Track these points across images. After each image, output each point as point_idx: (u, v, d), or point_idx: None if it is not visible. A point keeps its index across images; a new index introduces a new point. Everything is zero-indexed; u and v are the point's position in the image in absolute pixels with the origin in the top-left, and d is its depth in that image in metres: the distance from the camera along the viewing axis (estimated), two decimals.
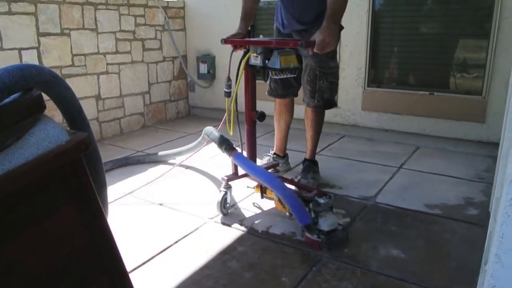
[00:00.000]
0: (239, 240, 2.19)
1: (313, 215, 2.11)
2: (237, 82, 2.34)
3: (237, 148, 2.51)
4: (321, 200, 2.13)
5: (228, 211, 2.47)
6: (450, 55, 3.64)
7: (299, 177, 2.85)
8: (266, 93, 3.02)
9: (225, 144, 2.46)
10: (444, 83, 3.70)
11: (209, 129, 2.68)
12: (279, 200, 2.29)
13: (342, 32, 2.75)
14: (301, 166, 2.98)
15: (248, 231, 2.29)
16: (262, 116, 2.47)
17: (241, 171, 2.53)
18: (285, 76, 2.39)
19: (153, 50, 4.53)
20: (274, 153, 3.14)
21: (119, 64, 4.17)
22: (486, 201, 2.56)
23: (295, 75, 2.47)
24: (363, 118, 3.99)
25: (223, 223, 2.37)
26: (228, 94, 2.49)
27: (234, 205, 2.58)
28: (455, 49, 3.62)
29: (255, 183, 2.58)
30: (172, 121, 4.87)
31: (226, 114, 2.54)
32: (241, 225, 2.35)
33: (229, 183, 2.48)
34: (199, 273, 1.91)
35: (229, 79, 2.46)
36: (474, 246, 2.05)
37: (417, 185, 2.87)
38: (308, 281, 1.84)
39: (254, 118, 2.50)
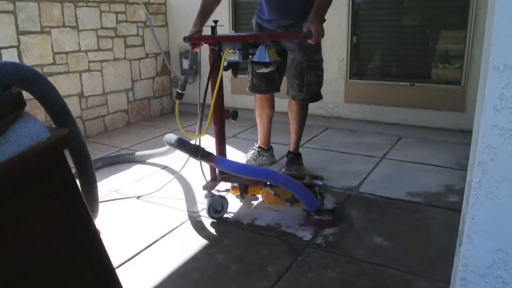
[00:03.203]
0: (225, 233, 2.22)
1: (319, 198, 2.24)
2: (217, 80, 2.23)
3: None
4: (320, 182, 2.30)
5: (220, 215, 2.37)
6: (430, 46, 3.70)
7: (283, 169, 2.88)
8: (247, 89, 3.01)
9: (200, 151, 2.23)
10: (424, 74, 3.75)
11: (171, 136, 2.39)
12: (275, 193, 2.29)
13: (323, 25, 2.78)
14: (285, 159, 3.01)
15: (233, 224, 2.31)
16: (235, 114, 2.36)
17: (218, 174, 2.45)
18: (269, 70, 2.34)
19: (135, 47, 4.52)
20: (259, 147, 3.17)
21: (101, 61, 4.14)
22: None
23: (274, 69, 2.43)
24: (345, 110, 4.04)
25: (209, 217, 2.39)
26: (180, 96, 2.36)
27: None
28: (434, 40, 3.68)
29: (228, 185, 2.54)
30: (157, 117, 4.86)
31: (177, 120, 2.36)
32: (226, 218, 2.37)
33: (212, 191, 2.39)
34: (185, 266, 1.93)
35: (186, 80, 2.37)
36: (454, 232, 2.07)
37: (399, 174, 2.92)
38: (294, 270, 1.87)
39: (227, 117, 2.38)
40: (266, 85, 2.92)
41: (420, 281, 1.78)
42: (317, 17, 2.27)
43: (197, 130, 2.34)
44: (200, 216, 2.41)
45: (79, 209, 1.14)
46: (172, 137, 2.38)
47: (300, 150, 3.03)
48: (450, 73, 3.64)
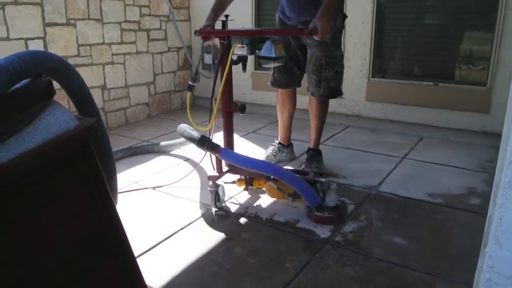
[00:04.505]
0: (244, 227, 2.23)
1: (320, 194, 2.25)
2: (225, 74, 2.29)
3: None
4: (323, 180, 2.32)
5: (223, 204, 2.46)
6: (455, 46, 3.63)
7: (303, 166, 2.88)
8: (269, 83, 3.02)
9: (206, 142, 2.33)
10: (448, 74, 3.69)
11: (182, 127, 2.51)
12: (278, 188, 2.32)
13: (347, 22, 2.77)
14: (305, 156, 3.00)
15: (252, 218, 2.32)
16: (243, 108, 2.40)
17: (225, 167, 2.51)
18: (275, 65, 2.35)
19: (158, 41, 4.55)
20: (279, 143, 3.16)
21: (124, 54, 4.19)
22: (489, 191, 2.57)
23: (282, 64, 2.44)
24: (367, 109, 4.00)
25: (228, 211, 2.40)
26: (191, 88, 2.46)
27: (237, 194, 2.61)
28: (460, 40, 3.61)
29: (235, 177, 2.56)
30: (177, 111, 4.89)
31: (188, 111, 2.50)
32: (245, 212, 2.38)
33: (217, 182, 2.43)
34: (204, 258, 1.94)
35: (197, 72, 2.44)
36: (475, 234, 2.06)
37: (420, 175, 2.89)
38: (312, 267, 1.87)
39: (233, 110, 2.43)
40: (286, 80, 2.93)
41: (440, 282, 1.76)
42: (324, 13, 2.25)
43: (209, 122, 2.42)
44: (219, 209, 2.42)
45: (103, 198, 1.15)
46: (183, 127, 2.49)
47: (321, 147, 3.01)
48: (475, 74, 3.57)
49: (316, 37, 2.24)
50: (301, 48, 2.81)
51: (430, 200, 2.51)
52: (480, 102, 3.47)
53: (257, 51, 2.29)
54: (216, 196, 2.40)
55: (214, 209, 2.41)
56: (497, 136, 3.31)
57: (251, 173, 2.44)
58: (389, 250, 2.00)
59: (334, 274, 1.81)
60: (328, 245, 2.04)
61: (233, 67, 2.41)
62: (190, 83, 2.44)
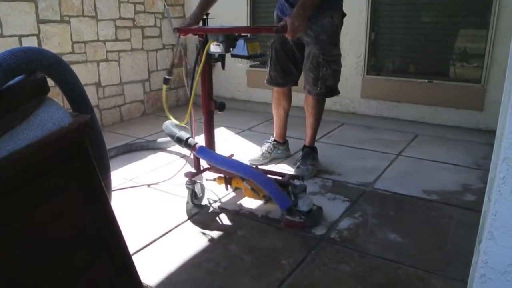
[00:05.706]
0: (239, 225, 2.22)
1: (292, 198, 2.17)
2: (199, 71, 2.29)
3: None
4: (297, 183, 2.21)
5: (201, 202, 2.45)
6: (449, 43, 3.65)
7: (298, 163, 2.88)
8: (265, 82, 3.02)
9: (184, 139, 2.39)
10: (443, 71, 3.71)
11: (166, 123, 2.60)
12: (252, 188, 2.29)
13: (343, 20, 2.77)
14: (300, 153, 3.01)
15: (247, 216, 2.32)
16: (222, 106, 2.38)
17: (204, 165, 2.50)
18: (251, 63, 2.32)
19: (152, 38, 4.53)
20: (274, 140, 3.16)
21: (119, 51, 4.17)
22: (484, 187, 2.58)
23: (259, 63, 2.41)
24: (362, 106, 4.01)
25: (223, 209, 2.40)
26: (167, 82, 2.45)
27: (231, 192, 2.61)
28: (454, 37, 3.63)
29: (215, 176, 2.53)
30: (172, 108, 4.87)
31: (164, 104, 2.51)
32: (241, 210, 2.38)
33: (193, 179, 2.43)
34: (199, 256, 1.94)
35: (172, 65, 2.46)
36: (470, 231, 2.08)
37: (415, 171, 2.90)
38: (307, 263, 1.87)
39: (213, 108, 2.41)
40: (282, 78, 2.92)
41: (435, 278, 1.77)
42: (298, 11, 2.24)
43: (187, 118, 2.41)
44: (214, 207, 2.42)
45: (98, 195, 1.15)
46: (166, 124, 2.56)
47: (316, 145, 3.01)
48: (470, 71, 3.59)
49: (287, 35, 2.21)
50: (298, 46, 2.80)
51: (425, 197, 2.52)
52: (475, 99, 3.49)
53: (231, 49, 2.26)
54: (193, 193, 2.40)
55: (190, 205, 2.41)
56: (491, 133, 3.33)
57: (230, 172, 2.39)
58: (385, 246, 2.01)
59: (330, 271, 1.82)
60: (323, 242, 2.04)
61: (229, 65, 2.40)
62: (166, 77, 2.45)
